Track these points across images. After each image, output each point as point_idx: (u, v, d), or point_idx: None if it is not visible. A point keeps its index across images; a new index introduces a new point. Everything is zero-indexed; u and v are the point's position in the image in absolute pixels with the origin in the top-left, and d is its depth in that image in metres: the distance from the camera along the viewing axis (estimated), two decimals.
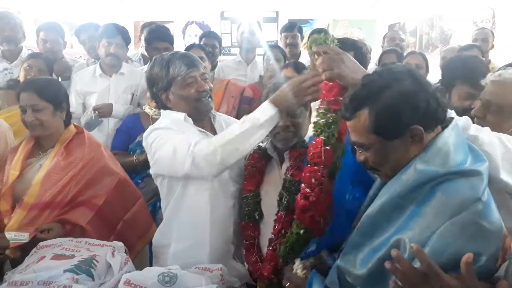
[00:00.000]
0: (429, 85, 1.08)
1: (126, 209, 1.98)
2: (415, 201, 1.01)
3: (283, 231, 1.60)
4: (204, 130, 1.71)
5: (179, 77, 1.66)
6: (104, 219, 1.88)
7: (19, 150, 1.95)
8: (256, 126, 1.46)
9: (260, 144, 1.72)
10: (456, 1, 5.01)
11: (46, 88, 1.91)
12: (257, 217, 1.73)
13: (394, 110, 1.04)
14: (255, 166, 1.77)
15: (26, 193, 1.81)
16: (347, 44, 1.72)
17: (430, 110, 1.05)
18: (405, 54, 3.46)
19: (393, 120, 1.05)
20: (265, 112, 1.47)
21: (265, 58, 3.22)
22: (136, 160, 2.48)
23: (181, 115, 1.68)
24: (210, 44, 3.44)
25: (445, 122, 1.10)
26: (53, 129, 1.93)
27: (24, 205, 1.79)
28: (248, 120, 1.48)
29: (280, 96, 1.48)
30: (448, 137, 1.06)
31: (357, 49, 1.79)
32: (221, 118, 1.85)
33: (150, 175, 2.52)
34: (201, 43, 3.46)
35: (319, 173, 1.35)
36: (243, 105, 3.03)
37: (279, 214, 1.64)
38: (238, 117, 2.04)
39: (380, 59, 3.35)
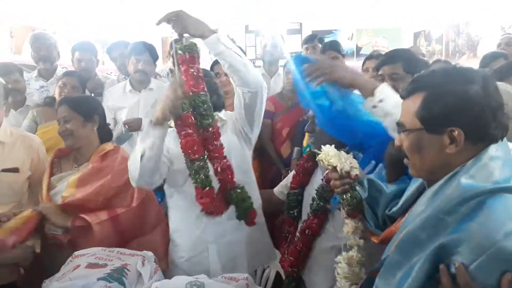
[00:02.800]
0: (496, 100, 1.02)
1: (144, 230, 1.97)
2: (459, 217, 0.95)
3: (307, 232, 1.67)
4: None
5: None
6: (117, 229, 1.88)
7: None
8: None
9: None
10: (483, 7, 4.92)
11: (77, 102, 2.05)
12: (295, 214, 1.79)
13: (445, 104, 1.02)
14: (303, 166, 1.82)
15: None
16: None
17: (482, 121, 1.00)
18: (430, 62, 3.43)
19: (439, 113, 1.03)
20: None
21: (285, 70, 3.16)
22: None
23: None
24: None
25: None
26: (84, 140, 2.01)
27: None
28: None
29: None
30: (495, 151, 1.01)
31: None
32: None
33: None
34: None
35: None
36: (264, 119, 3.03)
37: (308, 216, 1.71)
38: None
39: None
